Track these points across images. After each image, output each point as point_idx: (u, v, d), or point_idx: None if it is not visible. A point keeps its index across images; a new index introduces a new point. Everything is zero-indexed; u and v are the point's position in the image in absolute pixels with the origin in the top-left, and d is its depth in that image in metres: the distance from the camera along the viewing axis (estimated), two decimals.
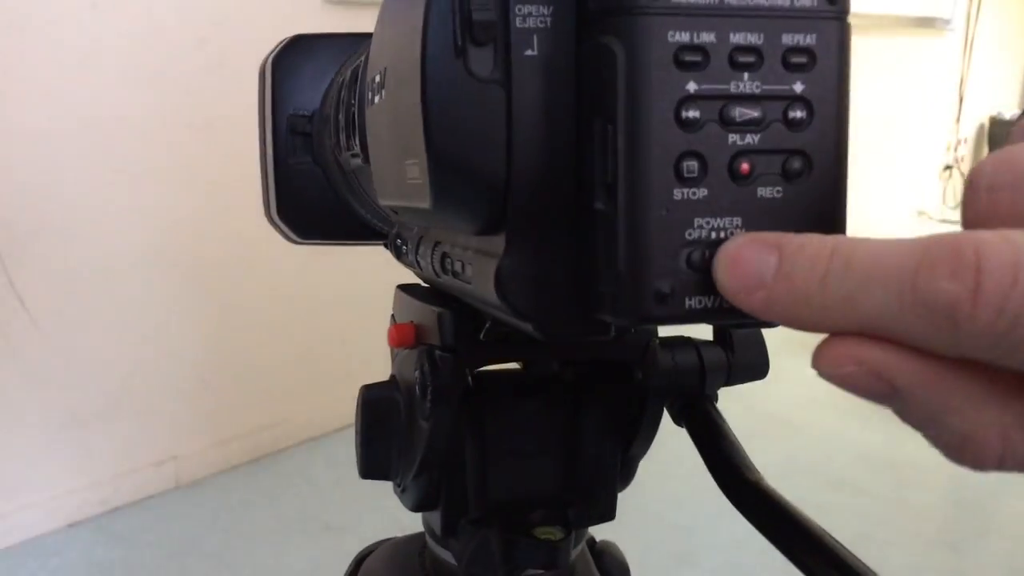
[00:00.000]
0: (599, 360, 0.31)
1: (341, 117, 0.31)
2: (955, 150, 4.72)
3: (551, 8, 0.18)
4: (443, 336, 0.27)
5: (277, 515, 1.69)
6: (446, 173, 0.19)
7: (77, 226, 1.56)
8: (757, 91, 0.18)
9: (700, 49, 0.17)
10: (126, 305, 1.66)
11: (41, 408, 1.57)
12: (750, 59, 0.18)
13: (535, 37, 0.18)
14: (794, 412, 2.10)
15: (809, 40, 0.18)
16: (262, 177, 0.42)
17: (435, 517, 0.32)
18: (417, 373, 0.27)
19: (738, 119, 0.18)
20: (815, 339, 0.18)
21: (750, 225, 0.18)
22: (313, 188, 0.39)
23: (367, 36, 0.38)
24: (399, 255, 0.31)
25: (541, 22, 0.18)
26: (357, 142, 0.28)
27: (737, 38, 0.17)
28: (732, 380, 0.30)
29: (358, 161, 0.29)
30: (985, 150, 4.97)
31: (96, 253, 1.59)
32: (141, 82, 1.60)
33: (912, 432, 0.18)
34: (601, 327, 0.20)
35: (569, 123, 0.19)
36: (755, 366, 0.30)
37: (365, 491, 1.76)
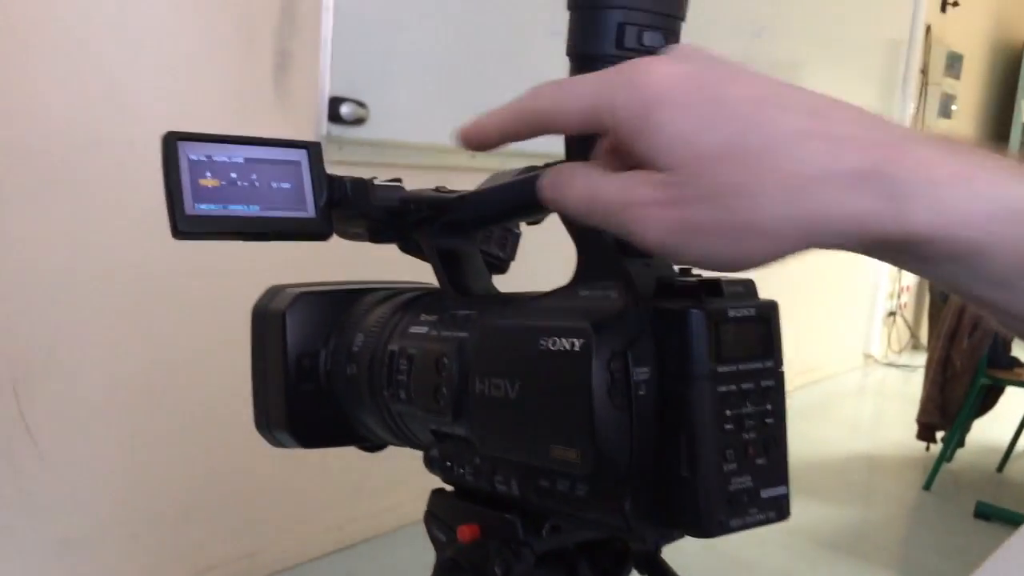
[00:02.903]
0: (597, 539, 0.45)
1: (406, 379, 0.44)
2: (898, 298, 5.00)
3: (649, 369, 0.33)
4: (519, 533, 0.42)
5: None
6: (600, 457, 0.33)
7: (84, 363, 1.66)
8: (752, 410, 0.33)
9: (728, 393, 0.33)
10: (120, 439, 1.74)
11: (36, 534, 1.63)
12: (750, 393, 0.33)
13: (643, 384, 0.33)
14: (745, 551, 2.20)
15: (771, 383, 0.34)
16: (259, 397, 0.53)
17: None
18: (499, 562, 0.41)
19: (746, 426, 0.33)
20: None
21: (755, 479, 0.33)
22: (318, 406, 0.52)
23: (355, 292, 0.51)
24: (446, 472, 0.44)
25: (645, 376, 0.33)
26: (450, 406, 0.41)
27: (745, 395, 0.33)
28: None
29: (446, 418, 0.42)
30: (927, 297, 5.26)
31: (99, 388, 1.69)
32: (149, 234, 1.73)
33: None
34: (674, 537, 0.35)
35: (656, 429, 0.33)
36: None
37: None
